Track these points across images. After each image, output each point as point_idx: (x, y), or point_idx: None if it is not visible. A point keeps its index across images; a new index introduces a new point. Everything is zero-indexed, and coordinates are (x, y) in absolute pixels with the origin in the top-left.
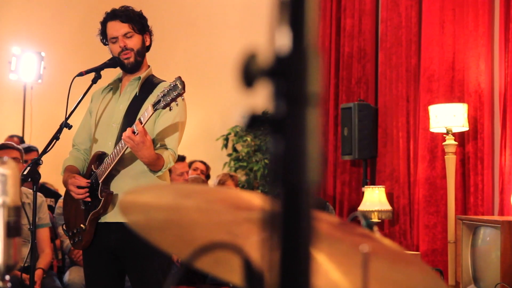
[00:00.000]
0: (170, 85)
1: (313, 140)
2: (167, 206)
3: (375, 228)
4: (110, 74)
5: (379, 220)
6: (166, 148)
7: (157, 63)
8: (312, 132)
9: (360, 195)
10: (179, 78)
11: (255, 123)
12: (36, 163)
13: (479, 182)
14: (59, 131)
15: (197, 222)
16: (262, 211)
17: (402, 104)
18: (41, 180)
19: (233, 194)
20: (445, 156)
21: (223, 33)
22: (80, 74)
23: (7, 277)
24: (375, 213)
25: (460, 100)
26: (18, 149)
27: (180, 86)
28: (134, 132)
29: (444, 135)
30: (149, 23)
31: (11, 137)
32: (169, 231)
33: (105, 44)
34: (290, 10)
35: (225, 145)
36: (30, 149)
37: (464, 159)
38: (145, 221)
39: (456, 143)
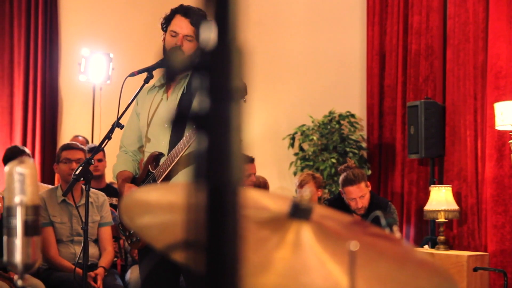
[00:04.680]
0: None
1: (237, 136)
2: (171, 206)
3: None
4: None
5: (446, 220)
6: None
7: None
8: (236, 128)
9: (428, 195)
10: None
11: (181, 119)
12: (88, 162)
13: None
14: (111, 131)
15: None
16: (264, 211)
17: (469, 101)
18: (108, 180)
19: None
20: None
21: (289, 33)
22: (132, 74)
23: (27, 276)
24: (442, 213)
25: None
26: (82, 149)
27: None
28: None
29: (511, 133)
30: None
31: (76, 137)
32: (173, 231)
33: (163, 30)
34: (215, 5)
35: (292, 145)
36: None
37: None
38: (148, 223)
39: None
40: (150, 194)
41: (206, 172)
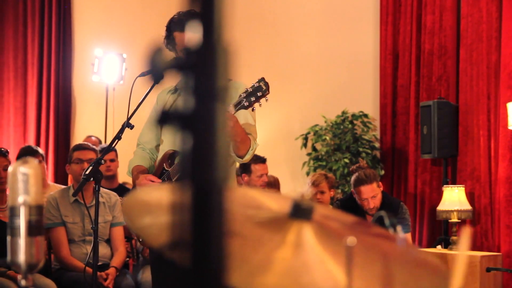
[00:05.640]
0: (253, 86)
1: (222, 136)
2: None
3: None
4: None
5: (459, 220)
6: (249, 134)
7: (237, 62)
8: (221, 127)
9: (441, 195)
10: (263, 79)
11: (166, 118)
12: (98, 162)
13: None
14: (121, 131)
15: None
16: (268, 211)
17: (483, 101)
18: (121, 180)
19: (243, 192)
20: None
21: (302, 33)
22: (142, 75)
23: (30, 276)
24: (455, 213)
25: None
26: (93, 150)
27: (264, 87)
28: None
29: None
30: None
31: (89, 137)
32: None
33: (169, 50)
34: (200, 4)
35: (304, 145)
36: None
37: None
38: (149, 223)
39: None
40: (151, 194)
41: (192, 172)
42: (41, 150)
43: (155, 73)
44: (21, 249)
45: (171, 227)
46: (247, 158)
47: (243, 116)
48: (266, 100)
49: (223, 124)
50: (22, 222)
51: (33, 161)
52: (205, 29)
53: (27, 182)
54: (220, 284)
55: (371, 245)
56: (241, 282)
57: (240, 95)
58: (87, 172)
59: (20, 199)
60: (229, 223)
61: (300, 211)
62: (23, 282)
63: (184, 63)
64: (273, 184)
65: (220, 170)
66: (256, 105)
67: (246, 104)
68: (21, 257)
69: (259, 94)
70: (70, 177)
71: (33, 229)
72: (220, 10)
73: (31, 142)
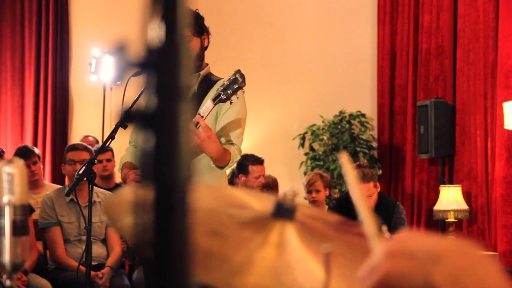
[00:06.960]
0: (230, 78)
1: (185, 135)
2: None
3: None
4: None
5: (456, 220)
6: (232, 144)
7: (234, 62)
8: (184, 127)
9: (438, 194)
10: (239, 71)
11: (129, 118)
12: (91, 162)
13: None
14: (115, 130)
15: None
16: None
17: (479, 101)
18: (118, 180)
19: (226, 191)
20: None
21: (300, 33)
22: (136, 74)
23: (15, 276)
24: (451, 213)
25: None
26: (87, 150)
27: (240, 79)
28: (196, 125)
29: None
30: (226, 22)
31: (86, 137)
32: None
33: None
34: (162, 1)
35: (302, 144)
36: (105, 149)
37: None
38: (132, 223)
39: None
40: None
41: (154, 171)
42: (37, 150)
43: (117, 72)
44: (6, 249)
45: (134, 227)
46: (227, 169)
47: (235, 112)
48: (243, 92)
49: (186, 123)
50: (7, 222)
51: (18, 161)
52: (168, 26)
53: (12, 182)
54: (183, 284)
55: (356, 245)
56: (222, 282)
57: (218, 89)
58: (80, 172)
59: (5, 199)
60: (193, 223)
61: (282, 211)
62: (7, 282)
63: (147, 61)
64: (271, 185)
65: (183, 169)
66: (253, 101)
67: (224, 97)
68: (6, 257)
69: (235, 86)
70: (67, 177)
71: (18, 229)
72: (183, 8)
73: (28, 142)
